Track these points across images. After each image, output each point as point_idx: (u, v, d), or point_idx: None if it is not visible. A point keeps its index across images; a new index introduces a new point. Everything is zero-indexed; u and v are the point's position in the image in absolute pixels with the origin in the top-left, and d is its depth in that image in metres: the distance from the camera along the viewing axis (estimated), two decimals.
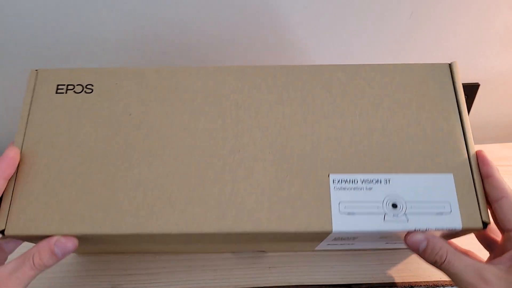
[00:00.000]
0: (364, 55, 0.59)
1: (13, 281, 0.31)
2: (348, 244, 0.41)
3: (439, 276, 0.44)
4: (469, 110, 0.66)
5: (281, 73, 0.38)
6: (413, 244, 0.33)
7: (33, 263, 0.32)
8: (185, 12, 0.53)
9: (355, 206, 0.34)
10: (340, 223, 0.33)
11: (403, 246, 0.39)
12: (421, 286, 0.44)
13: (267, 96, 0.38)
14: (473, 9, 0.56)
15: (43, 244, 0.33)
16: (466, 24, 0.57)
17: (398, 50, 0.59)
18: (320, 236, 0.36)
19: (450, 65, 0.40)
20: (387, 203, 0.34)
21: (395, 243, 0.42)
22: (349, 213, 0.34)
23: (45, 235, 0.33)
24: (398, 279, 0.45)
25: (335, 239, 0.38)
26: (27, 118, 0.37)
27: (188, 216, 0.34)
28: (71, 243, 0.33)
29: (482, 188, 0.35)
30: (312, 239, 0.38)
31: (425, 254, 0.33)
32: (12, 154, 0.34)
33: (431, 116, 0.37)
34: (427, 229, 0.33)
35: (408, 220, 0.34)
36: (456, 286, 0.32)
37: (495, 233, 0.37)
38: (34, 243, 0.35)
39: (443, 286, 0.44)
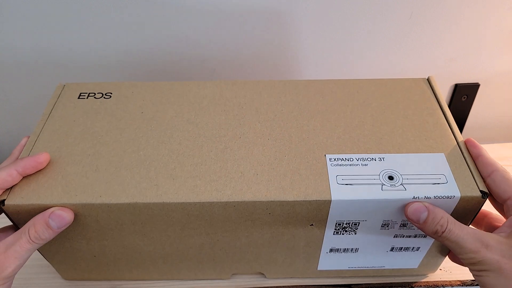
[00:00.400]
0: (364, 55, 0.59)
1: (11, 255, 0.31)
2: (352, 252, 0.40)
3: (438, 276, 0.44)
4: (469, 110, 0.67)
5: (279, 84, 0.44)
6: (414, 213, 0.33)
7: (29, 236, 0.32)
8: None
9: (353, 178, 0.35)
10: (339, 193, 0.34)
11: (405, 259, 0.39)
12: (421, 286, 0.44)
13: (267, 99, 0.42)
14: (473, 10, 0.56)
15: (38, 216, 0.33)
16: (466, 24, 0.57)
17: (398, 50, 0.59)
18: (320, 215, 0.35)
19: (428, 79, 0.45)
20: (384, 176, 0.35)
21: (402, 234, 0.40)
22: (347, 184, 0.34)
23: (45, 206, 0.33)
24: (398, 279, 0.45)
25: (337, 230, 0.37)
26: (48, 115, 0.41)
27: (189, 188, 0.34)
28: (67, 215, 0.33)
29: (474, 165, 0.36)
30: (311, 218, 0.36)
31: (425, 224, 0.33)
32: (42, 159, 0.35)
33: (417, 113, 0.40)
34: (426, 197, 0.33)
35: (405, 189, 0.34)
36: (458, 254, 0.32)
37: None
38: None
39: (443, 286, 0.44)
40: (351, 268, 0.43)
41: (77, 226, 0.36)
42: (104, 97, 0.42)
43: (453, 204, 0.34)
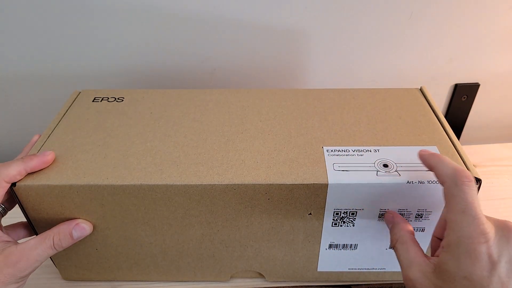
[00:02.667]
0: (365, 55, 0.59)
1: (33, 257, 0.33)
2: (351, 249, 0.40)
3: None
4: (469, 110, 0.67)
5: (280, 92, 0.47)
6: (385, 221, 0.36)
7: (53, 242, 0.35)
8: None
9: (349, 165, 0.36)
10: (335, 177, 0.35)
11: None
12: None
13: (268, 103, 0.45)
14: (473, 10, 0.56)
15: (64, 226, 0.36)
16: (466, 24, 0.57)
17: (398, 50, 0.59)
18: (317, 201, 0.36)
19: (420, 89, 0.47)
20: (378, 164, 0.36)
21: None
22: (343, 170, 0.36)
23: (54, 186, 0.35)
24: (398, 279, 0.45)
25: (336, 220, 0.38)
26: (63, 114, 0.44)
27: (192, 172, 0.36)
28: (88, 228, 0.37)
29: (466, 155, 0.37)
30: (309, 205, 0.36)
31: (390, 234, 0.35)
32: (49, 158, 0.37)
33: (410, 115, 0.43)
34: (420, 181, 0.35)
35: (400, 175, 0.35)
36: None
37: None
38: (39, 213, 0.37)
39: None
40: (351, 270, 0.43)
41: (82, 213, 0.37)
42: (117, 101, 0.46)
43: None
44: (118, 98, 0.46)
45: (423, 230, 0.39)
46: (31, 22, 0.54)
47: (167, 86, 0.61)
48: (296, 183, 0.35)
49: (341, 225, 0.39)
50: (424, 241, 0.40)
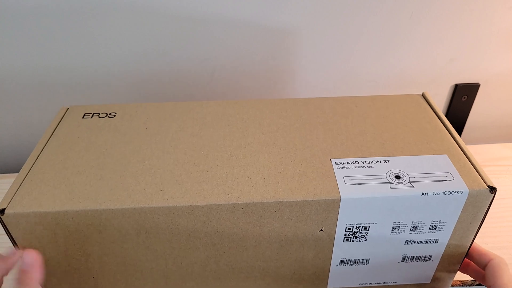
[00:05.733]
0: (365, 55, 0.59)
1: None
2: (363, 264, 0.39)
3: None
4: (469, 110, 0.67)
5: (279, 102, 0.45)
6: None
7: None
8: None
9: (360, 178, 0.35)
10: (348, 192, 0.34)
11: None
12: None
13: (269, 115, 0.43)
14: (473, 10, 0.56)
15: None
16: (466, 24, 0.57)
17: (399, 50, 0.59)
18: (329, 217, 0.35)
19: (423, 94, 0.46)
20: (390, 175, 0.35)
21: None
22: (355, 184, 0.34)
23: (47, 213, 0.33)
24: None
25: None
26: (52, 133, 0.40)
27: (195, 191, 0.34)
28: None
29: (479, 165, 0.36)
30: (321, 221, 0.35)
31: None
32: (30, 260, 0.33)
33: (415, 122, 0.42)
34: (435, 193, 0.34)
35: (414, 187, 0.34)
36: None
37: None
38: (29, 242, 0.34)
39: None
40: (362, 285, 0.42)
41: (77, 240, 0.35)
42: (109, 116, 0.43)
43: (462, 201, 0.34)
44: (109, 114, 0.43)
45: (436, 241, 0.38)
46: (20, 28, 0.53)
47: (166, 88, 0.60)
48: (307, 199, 0.33)
49: (353, 240, 0.37)
50: (437, 253, 0.39)
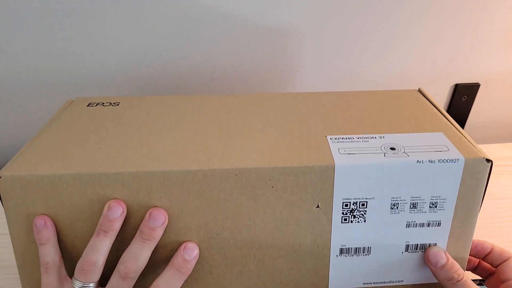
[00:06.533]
0: (365, 55, 0.59)
1: None
2: (364, 254, 0.38)
3: None
4: (469, 110, 0.67)
5: (279, 96, 0.47)
6: (434, 256, 0.37)
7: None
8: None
9: (355, 149, 0.36)
10: (342, 160, 0.34)
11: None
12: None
13: (267, 106, 0.44)
14: (473, 10, 0.56)
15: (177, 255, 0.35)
16: (466, 24, 0.57)
17: (399, 50, 0.59)
18: (325, 189, 0.34)
19: (419, 90, 0.47)
20: (385, 147, 0.36)
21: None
22: (349, 154, 0.35)
23: (43, 176, 0.33)
24: None
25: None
26: (56, 119, 0.42)
27: (191, 158, 0.35)
28: (196, 246, 0.36)
29: (474, 142, 0.37)
30: (316, 195, 0.35)
31: (442, 269, 0.36)
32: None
33: (413, 111, 0.42)
34: (430, 161, 0.34)
35: (409, 156, 0.34)
36: None
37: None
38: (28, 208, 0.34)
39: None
40: (366, 285, 0.40)
41: (67, 213, 0.34)
42: (112, 105, 0.44)
43: (459, 172, 0.34)
44: (113, 103, 0.45)
45: (439, 224, 0.37)
46: (19, 28, 0.53)
47: (166, 87, 0.60)
48: (301, 165, 0.34)
49: (351, 221, 0.36)
50: (442, 239, 0.38)
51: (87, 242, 0.35)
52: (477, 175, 0.35)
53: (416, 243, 0.38)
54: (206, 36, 0.56)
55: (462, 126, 0.68)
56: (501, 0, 0.55)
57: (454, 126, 0.39)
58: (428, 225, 0.37)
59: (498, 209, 0.53)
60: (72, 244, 0.36)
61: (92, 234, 0.34)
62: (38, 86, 0.58)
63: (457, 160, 0.34)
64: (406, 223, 0.37)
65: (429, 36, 0.58)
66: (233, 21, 0.55)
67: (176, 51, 0.57)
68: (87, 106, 0.45)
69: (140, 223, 0.35)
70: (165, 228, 0.36)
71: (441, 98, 0.65)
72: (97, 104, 0.45)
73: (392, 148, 0.35)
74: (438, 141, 0.36)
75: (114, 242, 0.34)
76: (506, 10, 0.56)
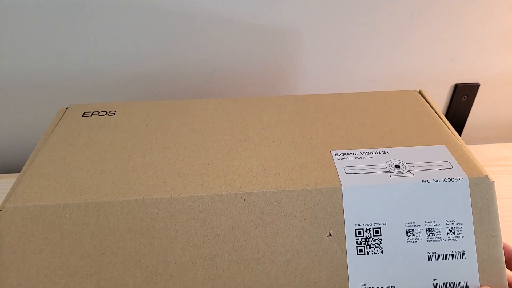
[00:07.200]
0: (364, 55, 0.59)
1: None
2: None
3: None
4: (469, 110, 0.67)
5: (279, 99, 0.46)
6: None
7: None
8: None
9: (360, 168, 0.35)
10: (348, 180, 0.34)
11: None
12: None
13: (268, 111, 0.44)
14: (473, 9, 0.56)
15: None
16: (466, 24, 0.57)
17: (398, 50, 0.59)
18: (334, 213, 0.33)
19: (419, 91, 0.47)
20: (390, 165, 0.36)
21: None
22: (355, 173, 0.35)
23: (47, 206, 0.32)
24: None
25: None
26: (52, 131, 0.41)
27: (197, 183, 0.34)
28: None
29: (474, 155, 0.37)
30: (326, 220, 0.33)
31: None
32: None
33: (413, 116, 0.43)
34: (435, 180, 0.34)
35: (414, 175, 0.34)
36: None
37: None
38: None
39: None
40: None
41: (65, 248, 0.32)
42: (108, 114, 0.43)
43: (466, 192, 0.34)
44: (109, 112, 0.44)
45: (463, 256, 0.34)
46: (19, 28, 0.53)
47: (165, 88, 0.60)
48: (308, 188, 0.33)
49: (367, 252, 0.33)
50: (471, 274, 0.34)
51: (81, 284, 0.32)
52: (485, 195, 0.34)
53: (445, 281, 0.34)
54: (205, 37, 0.56)
55: (462, 126, 0.68)
56: (501, 0, 0.55)
57: (453, 134, 0.39)
58: (452, 257, 0.34)
59: (498, 209, 0.53)
60: (65, 286, 0.32)
61: (87, 274, 0.31)
62: (38, 86, 0.58)
63: (460, 179, 0.34)
64: (427, 254, 0.34)
65: (429, 36, 0.58)
66: (233, 22, 0.55)
67: (175, 51, 0.57)
68: (82, 116, 0.43)
69: (142, 254, 0.32)
70: (167, 261, 0.33)
71: (441, 98, 0.65)
72: (92, 113, 0.43)
73: (397, 166, 0.35)
74: (441, 156, 0.36)
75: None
76: (506, 10, 0.56)
